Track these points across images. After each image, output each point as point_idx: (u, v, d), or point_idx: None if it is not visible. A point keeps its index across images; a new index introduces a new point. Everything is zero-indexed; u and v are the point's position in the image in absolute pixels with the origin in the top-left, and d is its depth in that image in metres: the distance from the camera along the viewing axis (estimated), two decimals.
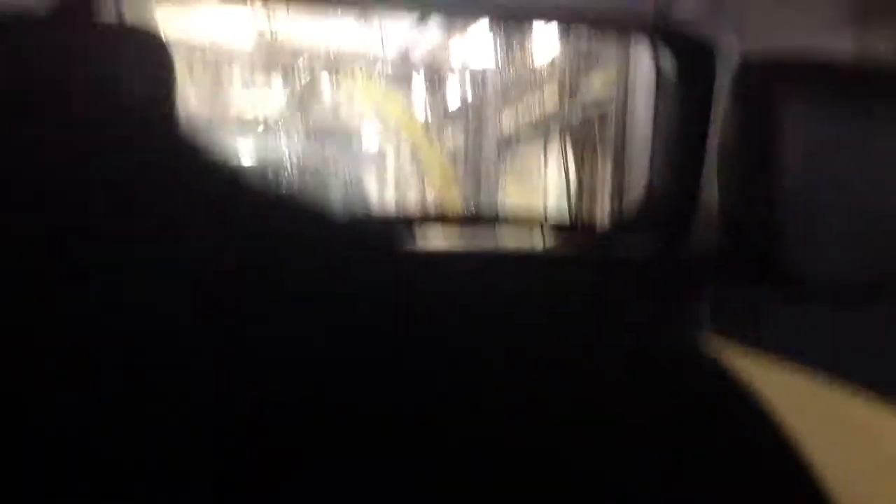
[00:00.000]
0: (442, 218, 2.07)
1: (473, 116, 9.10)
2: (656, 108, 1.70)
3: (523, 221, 1.86)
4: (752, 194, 1.18)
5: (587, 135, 6.21)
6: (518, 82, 8.98)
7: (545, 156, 7.82)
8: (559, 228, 1.85)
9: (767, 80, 1.16)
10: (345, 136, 9.93)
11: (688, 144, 1.58)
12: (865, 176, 1.13)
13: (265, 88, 9.05)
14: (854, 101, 1.14)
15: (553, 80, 7.53)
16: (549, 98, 7.82)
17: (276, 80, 9.14)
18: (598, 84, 6.10)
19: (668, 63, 1.69)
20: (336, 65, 8.90)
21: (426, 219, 1.83)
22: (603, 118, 5.70)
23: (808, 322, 1.20)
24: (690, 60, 1.62)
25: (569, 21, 1.66)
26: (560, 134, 7.31)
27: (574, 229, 1.91)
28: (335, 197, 5.62)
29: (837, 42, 1.48)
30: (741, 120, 1.19)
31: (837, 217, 1.13)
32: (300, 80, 9.08)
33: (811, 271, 1.15)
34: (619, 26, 1.68)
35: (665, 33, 1.63)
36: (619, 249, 1.49)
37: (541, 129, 8.16)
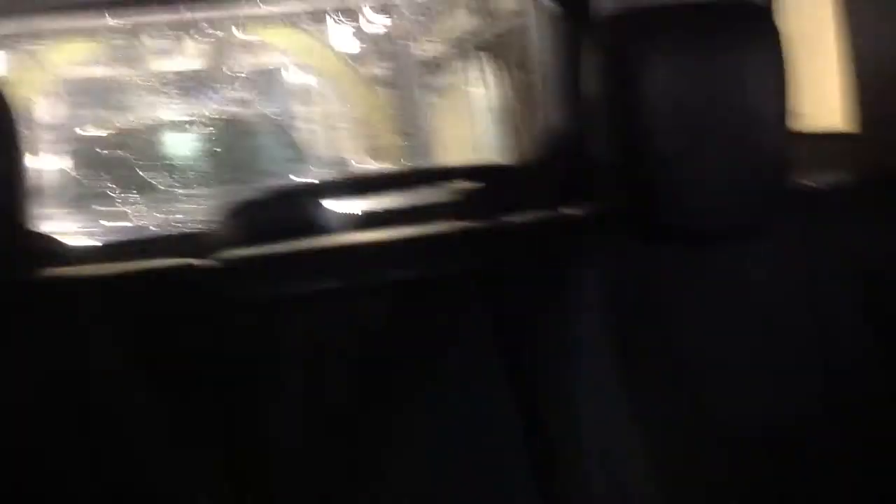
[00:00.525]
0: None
1: (393, 43, 8.96)
2: (548, 52, 1.70)
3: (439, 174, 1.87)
4: (618, 148, 1.17)
5: (503, 53, 6.18)
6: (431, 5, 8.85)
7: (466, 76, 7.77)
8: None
9: (621, 34, 1.16)
10: (267, 83, 9.75)
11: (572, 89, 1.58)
12: (722, 113, 1.13)
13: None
14: (705, 44, 1.14)
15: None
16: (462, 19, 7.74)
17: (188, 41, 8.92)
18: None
19: (546, 7, 1.67)
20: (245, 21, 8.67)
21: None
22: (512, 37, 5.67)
23: (691, 263, 1.20)
24: (566, 6, 1.62)
25: None
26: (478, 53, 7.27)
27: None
28: (270, 142, 5.57)
29: None
30: (602, 74, 1.18)
31: (703, 161, 1.13)
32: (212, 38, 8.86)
33: (682, 217, 1.15)
34: None
35: None
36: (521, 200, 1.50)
37: (460, 51, 8.09)
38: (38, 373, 1.04)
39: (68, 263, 1.17)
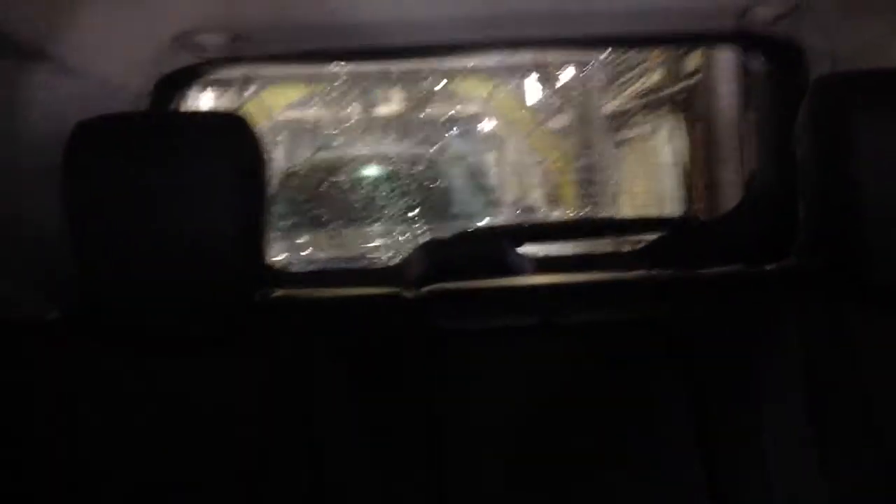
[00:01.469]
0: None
1: (581, 96, 8.99)
2: (753, 109, 1.65)
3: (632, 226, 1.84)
4: (833, 209, 1.13)
5: (689, 108, 6.05)
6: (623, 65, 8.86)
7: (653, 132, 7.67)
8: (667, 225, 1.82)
9: (841, 94, 1.12)
10: (464, 130, 9.99)
11: (781, 146, 1.52)
12: None
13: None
14: None
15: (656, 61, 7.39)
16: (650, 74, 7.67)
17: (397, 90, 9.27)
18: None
19: (757, 64, 1.64)
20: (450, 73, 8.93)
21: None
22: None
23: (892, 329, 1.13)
24: (779, 62, 1.57)
25: (659, 30, 1.61)
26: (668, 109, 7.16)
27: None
28: (463, 185, 5.68)
29: None
30: (818, 134, 1.14)
31: None
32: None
33: (894, 280, 1.10)
34: (705, 30, 1.61)
35: (753, 38, 1.58)
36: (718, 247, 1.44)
37: (646, 104, 8.01)
38: (266, 380, 1.09)
39: (290, 287, 1.24)
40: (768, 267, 1.24)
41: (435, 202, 5.33)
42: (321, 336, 1.13)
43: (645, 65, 8.37)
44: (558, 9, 1.47)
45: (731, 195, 4.89)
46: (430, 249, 1.77)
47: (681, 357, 1.18)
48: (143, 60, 1.43)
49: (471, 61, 8.67)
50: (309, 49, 1.57)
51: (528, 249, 1.85)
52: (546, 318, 1.26)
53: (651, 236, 1.87)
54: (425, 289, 1.31)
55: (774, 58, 1.60)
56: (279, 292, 1.20)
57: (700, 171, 5.64)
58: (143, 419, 1.06)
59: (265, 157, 1.10)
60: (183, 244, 1.02)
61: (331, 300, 1.23)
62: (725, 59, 5.07)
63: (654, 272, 1.37)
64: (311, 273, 2.07)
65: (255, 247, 1.10)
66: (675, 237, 1.79)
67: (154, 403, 1.07)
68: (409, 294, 1.28)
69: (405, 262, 1.80)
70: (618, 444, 1.19)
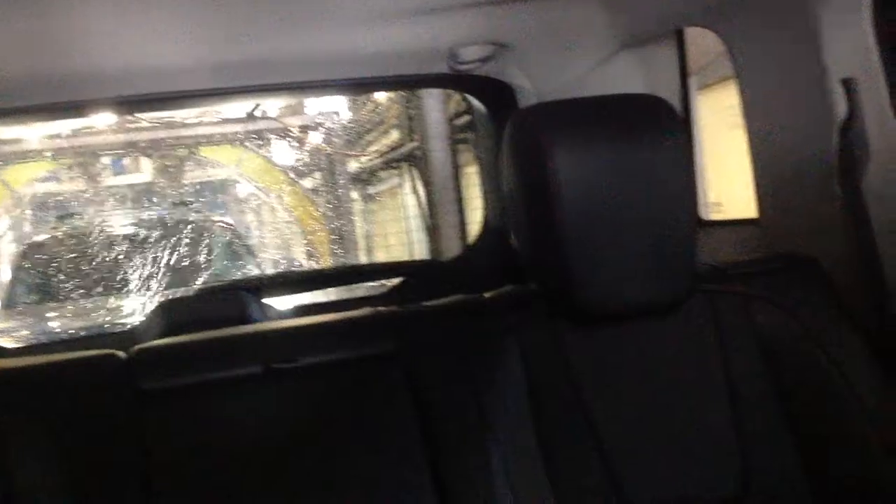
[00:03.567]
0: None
1: (328, 162, 9.01)
2: (477, 148, 1.61)
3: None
4: (537, 236, 1.09)
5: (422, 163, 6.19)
6: (360, 129, 9.02)
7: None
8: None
9: (534, 125, 1.07)
10: (216, 193, 9.65)
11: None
12: (632, 203, 1.04)
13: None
14: (613, 135, 1.05)
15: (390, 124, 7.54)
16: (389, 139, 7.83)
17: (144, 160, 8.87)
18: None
19: (477, 106, 1.61)
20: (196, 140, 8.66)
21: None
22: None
23: (605, 344, 1.12)
24: (491, 102, 1.54)
25: (379, 75, 1.54)
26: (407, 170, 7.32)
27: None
28: (219, 246, 5.39)
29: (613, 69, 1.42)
30: (517, 166, 1.09)
31: (614, 246, 1.05)
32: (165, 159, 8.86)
33: (598, 302, 1.07)
34: (422, 73, 1.56)
35: (466, 79, 1.54)
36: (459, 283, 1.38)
37: (387, 162, 8.16)
38: None
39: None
40: (488, 294, 1.19)
41: (188, 266, 5.01)
42: (26, 397, 1.03)
43: (383, 126, 8.55)
44: (274, 56, 1.37)
45: (452, 237, 5.05)
46: (168, 307, 1.57)
47: (410, 389, 1.10)
48: None
49: (218, 129, 8.44)
50: (51, 101, 1.39)
51: (278, 302, 1.70)
52: (267, 364, 1.12)
53: (394, 281, 1.80)
54: (137, 347, 1.15)
55: (487, 98, 1.58)
56: None
57: (437, 217, 5.76)
58: None
59: None
60: None
61: (42, 365, 1.11)
62: (435, 115, 5.27)
63: (380, 309, 1.28)
64: (41, 346, 1.81)
65: None
66: (416, 278, 1.73)
67: None
68: (121, 354, 1.13)
69: (143, 324, 1.59)
70: (349, 479, 1.08)
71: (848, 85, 1.16)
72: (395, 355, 1.13)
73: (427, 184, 5.61)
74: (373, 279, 1.94)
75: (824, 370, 1.11)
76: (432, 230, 5.81)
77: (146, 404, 1.08)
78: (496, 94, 1.53)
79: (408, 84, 1.82)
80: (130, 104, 1.57)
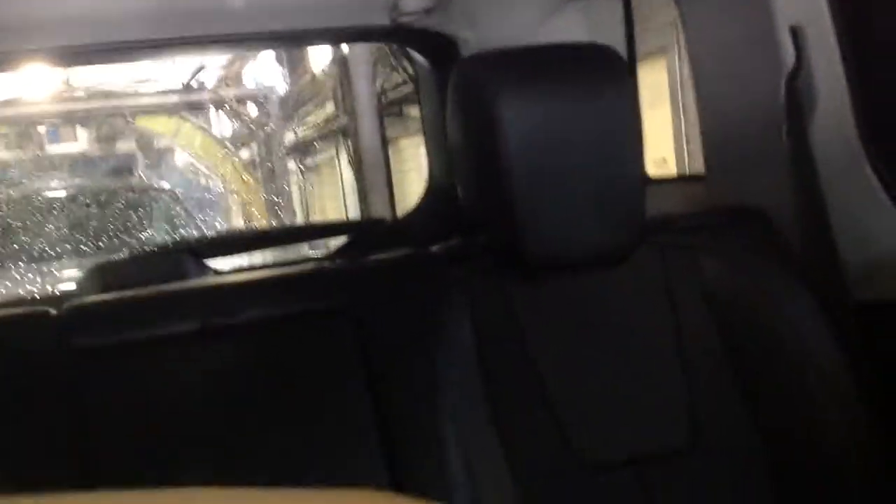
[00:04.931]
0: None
1: (264, 132, 8.76)
2: (420, 105, 1.50)
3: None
4: (484, 187, 1.02)
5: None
6: (298, 98, 8.79)
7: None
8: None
9: (480, 74, 0.99)
10: (156, 162, 9.32)
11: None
12: (579, 151, 0.97)
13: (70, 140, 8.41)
14: (560, 86, 0.98)
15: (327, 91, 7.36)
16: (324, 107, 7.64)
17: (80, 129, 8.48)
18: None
19: (420, 61, 1.49)
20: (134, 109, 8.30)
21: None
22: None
23: (553, 297, 1.05)
24: (434, 56, 1.43)
25: (316, 27, 1.41)
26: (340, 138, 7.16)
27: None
28: (158, 211, 5.13)
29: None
30: (463, 117, 1.02)
31: (562, 198, 0.98)
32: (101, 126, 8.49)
33: (546, 252, 1.00)
34: (362, 25, 1.43)
35: (408, 33, 1.42)
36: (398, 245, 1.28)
37: (325, 134, 8.00)
38: None
39: None
40: (434, 248, 1.11)
41: (125, 233, 4.77)
42: None
43: (317, 99, 8.34)
44: (214, 6, 1.24)
45: (379, 203, 4.98)
46: (101, 270, 1.42)
47: (357, 346, 1.02)
48: None
49: (153, 99, 8.11)
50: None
51: (219, 264, 1.56)
52: (205, 320, 1.02)
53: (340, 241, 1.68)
54: (68, 303, 1.04)
55: (430, 52, 1.46)
56: None
57: (372, 184, 5.64)
58: None
59: None
60: None
61: None
62: (363, 89, 5.23)
63: (325, 264, 1.18)
64: None
65: None
66: (362, 237, 1.61)
67: None
68: (52, 311, 1.02)
69: (76, 288, 1.44)
70: (291, 441, 0.99)
71: (796, 33, 1.09)
72: (341, 310, 1.03)
73: (357, 156, 5.50)
74: (316, 238, 1.82)
75: (772, 323, 1.05)
76: (363, 199, 5.71)
77: (80, 362, 0.98)
78: (439, 47, 1.42)
79: (348, 36, 1.69)
80: (67, 55, 1.42)
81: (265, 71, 9.27)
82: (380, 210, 5.14)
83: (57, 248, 4.54)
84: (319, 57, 8.10)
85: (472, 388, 0.98)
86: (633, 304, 1.07)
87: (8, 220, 4.64)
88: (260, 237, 2.12)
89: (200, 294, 1.10)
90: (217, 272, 1.51)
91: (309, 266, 1.16)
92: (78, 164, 8.12)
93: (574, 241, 0.99)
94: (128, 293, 1.08)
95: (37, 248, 4.45)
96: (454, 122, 1.02)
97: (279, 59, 8.91)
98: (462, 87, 1.00)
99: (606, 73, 0.98)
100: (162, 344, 1.01)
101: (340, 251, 1.65)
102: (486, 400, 0.98)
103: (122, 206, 4.91)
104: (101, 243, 4.64)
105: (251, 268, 1.72)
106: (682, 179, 1.43)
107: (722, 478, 1.03)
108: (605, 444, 1.02)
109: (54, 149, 8.54)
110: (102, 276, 1.38)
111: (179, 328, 1.02)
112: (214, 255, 1.59)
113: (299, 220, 8.66)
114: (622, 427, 1.03)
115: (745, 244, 1.11)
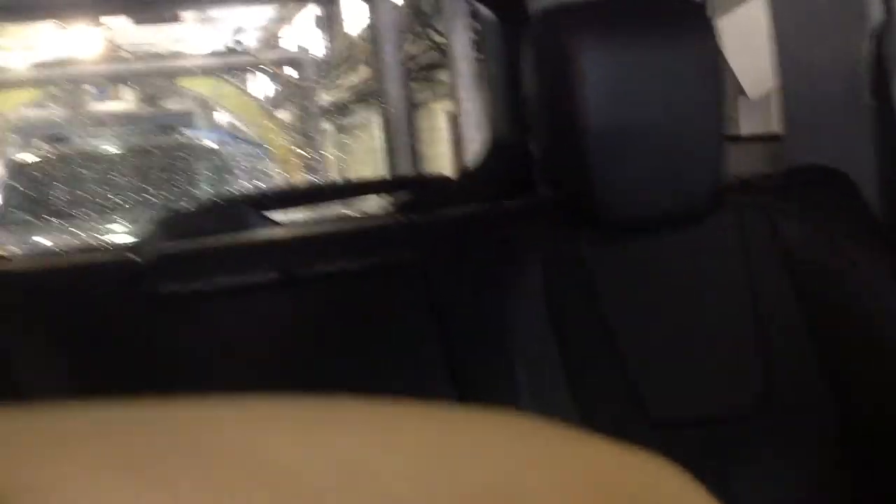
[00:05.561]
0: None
1: (301, 94, 8.73)
2: (483, 62, 1.46)
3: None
4: (561, 143, 0.98)
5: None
6: (335, 61, 8.75)
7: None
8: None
9: (560, 27, 0.95)
10: (198, 121, 9.37)
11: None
12: (659, 107, 0.94)
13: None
14: (640, 38, 0.95)
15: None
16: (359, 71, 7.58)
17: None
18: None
19: (486, 14, 1.44)
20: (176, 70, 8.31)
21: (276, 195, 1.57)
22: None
23: (627, 257, 1.02)
24: (504, 10, 1.38)
25: None
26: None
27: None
28: (199, 178, 5.14)
29: None
30: (540, 71, 0.98)
31: (638, 153, 0.95)
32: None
33: (622, 211, 0.97)
34: None
35: None
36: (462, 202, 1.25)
37: (358, 96, 7.95)
38: None
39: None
40: (508, 204, 1.09)
41: (176, 189, 4.78)
42: (25, 309, 0.93)
43: (352, 61, 8.28)
44: None
45: (405, 166, 4.97)
46: (168, 223, 1.42)
47: (431, 300, 1.01)
48: None
49: (195, 61, 8.11)
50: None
51: (279, 218, 1.56)
52: (285, 271, 1.01)
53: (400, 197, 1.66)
54: (153, 252, 1.03)
55: (496, 4, 1.41)
56: None
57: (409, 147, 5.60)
58: None
59: None
60: None
61: (50, 269, 1.02)
62: (389, 56, 5.22)
63: (398, 218, 1.16)
64: (44, 255, 1.68)
65: None
66: (427, 193, 1.59)
67: None
68: (136, 258, 1.01)
69: (143, 240, 1.44)
70: (367, 385, 0.97)
71: None
72: (415, 265, 1.02)
73: (385, 119, 5.46)
74: (374, 192, 1.79)
75: (851, 287, 1.02)
76: (391, 162, 5.70)
77: (165, 308, 0.97)
78: (507, 1, 1.37)
79: None
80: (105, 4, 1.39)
81: (304, 34, 9.24)
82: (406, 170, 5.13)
83: (108, 202, 4.57)
84: (355, 21, 8.06)
85: (543, 344, 0.97)
86: (708, 264, 1.04)
87: (62, 174, 4.67)
88: (321, 191, 2.10)
89: (279, 244, 1.09)
90: (276, 224, 1.50)
91: (383, 218, 1.14)
92: (123, 121, 8.17)
93: (650, 199, 0.96)
94: (209, 240, 1.07)
95: (90, 202, 4.49)
96: (531, 76, 0.98)
97: (318, 24, 8.86)
98: (541, 39, 0.96)
99: (689, 26, 0.95)
100: (243, 292, 1.00)
101: (404, 207, 1.62)
102: (558, 354, 0.97)
103: (166, 164, 4.93)
104: (149, 197, 4.67)
105: (310, 222, 1.71)
106: (756, 138, 1.39)
107: (792, 441, 1.01)
108: (675, 404, 1.00)
109: (101, 106, 8.60)
110: (167, 229, 1.37)
111: (261, 277, 1.01)
112: (275, 207, 1.58)
113: (333, 175, 8.68)
114: (693, 387, 1.01)
115: (825, 206, 1.07)
